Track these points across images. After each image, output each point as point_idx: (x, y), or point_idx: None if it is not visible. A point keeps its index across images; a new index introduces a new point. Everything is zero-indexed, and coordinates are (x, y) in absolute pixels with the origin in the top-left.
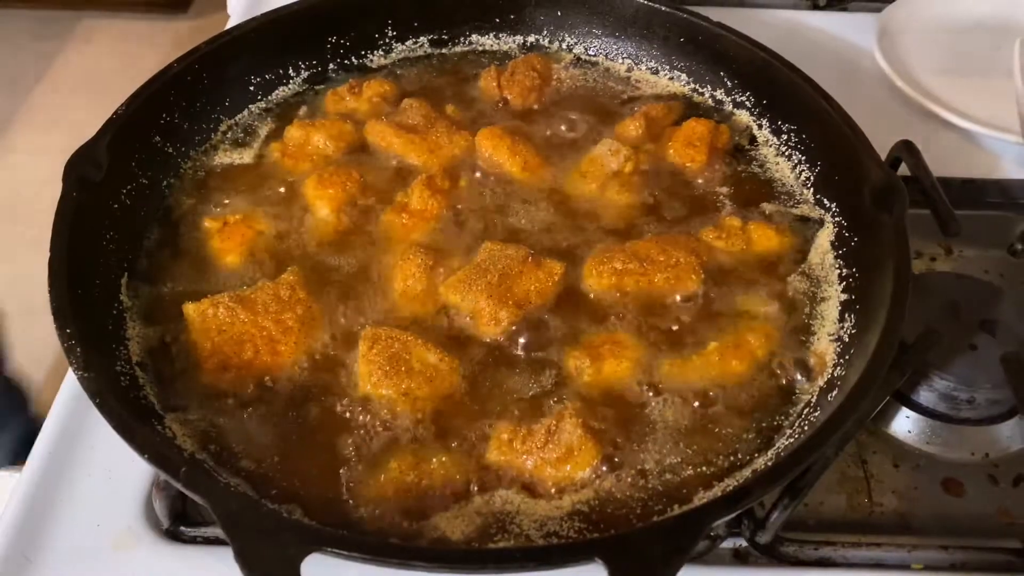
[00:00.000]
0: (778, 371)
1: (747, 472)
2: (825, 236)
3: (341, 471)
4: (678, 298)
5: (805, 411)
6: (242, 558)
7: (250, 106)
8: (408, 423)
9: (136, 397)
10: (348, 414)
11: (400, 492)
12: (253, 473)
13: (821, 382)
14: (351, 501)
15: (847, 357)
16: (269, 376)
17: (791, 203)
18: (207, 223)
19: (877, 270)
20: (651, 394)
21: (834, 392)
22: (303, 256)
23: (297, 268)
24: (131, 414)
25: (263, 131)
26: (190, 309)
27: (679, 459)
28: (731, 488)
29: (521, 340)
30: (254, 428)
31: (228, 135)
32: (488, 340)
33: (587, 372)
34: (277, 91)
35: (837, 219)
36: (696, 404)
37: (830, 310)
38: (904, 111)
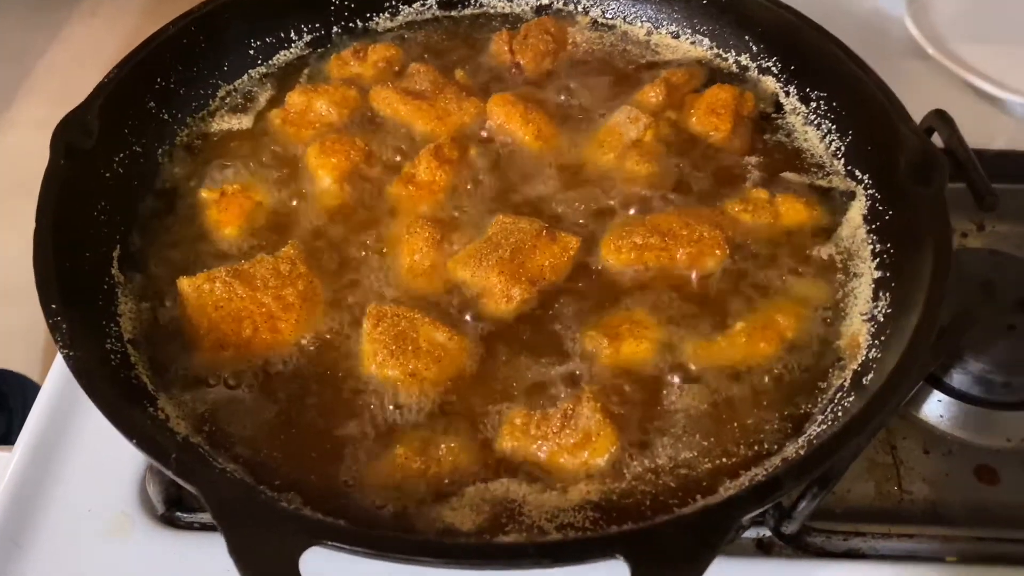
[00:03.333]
0: (808, 353)
1: (776, 461)
2: (857, 209)
3: (344, 456)
4: (702, 274)
5: (837, 396)
6: (236, 553)
7: (250, 71)
8: (415, 406)
9: (127, 377)
10: (352, 396)
11: (406, 479)
12: (250, 459)
13: (855, 365)
14: (354, 488)
15: (882, 339)
16: (269, 355)
17: (821, 174)
18: (204, 193)
19: (914, 246)
20: (673, 377)
21: (869, 376)
22: (304, 229)
23: (298, 241)
24: (120, 395)
25: (263, 97)
26: (185, 284)
27: (703, 446)
28: (760, 478)
29: (535, 319)
30: (252, 410)
31: (227, 101)
32: (499, 318)
33: (605, 353)
34: (278, 55)
35: (870, 191)
36: (721, 388)
37: (863, 288)
38: (935, 80)
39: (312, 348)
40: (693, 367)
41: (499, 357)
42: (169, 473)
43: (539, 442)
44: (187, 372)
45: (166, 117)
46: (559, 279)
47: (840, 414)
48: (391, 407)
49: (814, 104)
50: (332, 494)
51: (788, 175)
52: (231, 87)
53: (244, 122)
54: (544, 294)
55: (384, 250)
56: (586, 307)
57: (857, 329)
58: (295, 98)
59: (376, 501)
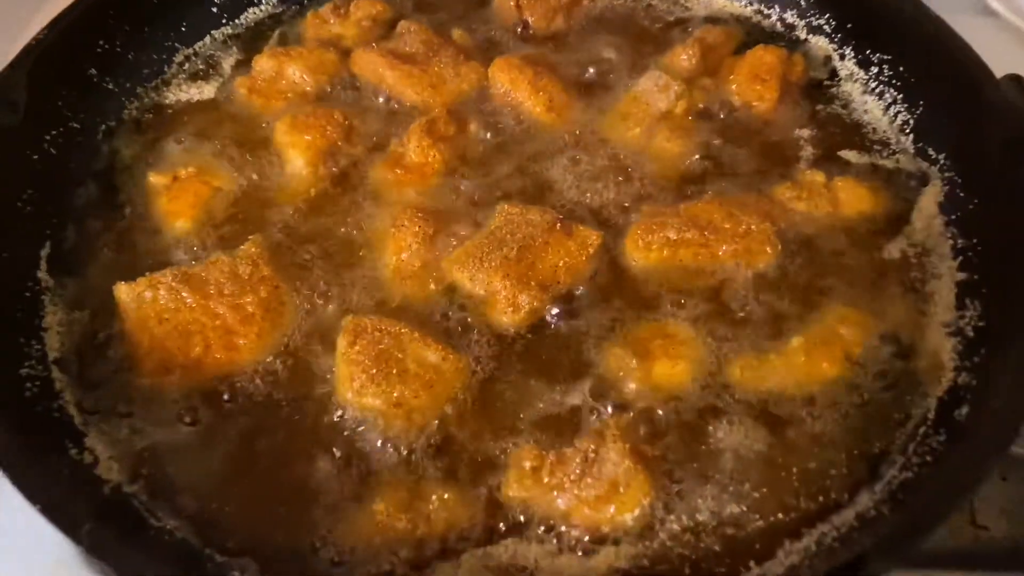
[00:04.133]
0: (880, 375)
1: (849, 516)
2: (931, 196)
3: (312, 511)
4: (750, 276)
5: (920, 432)
6: None
7: (212, 32)
8: (400, 444)
9: (46, 410)
10: (324, 432)
11: (389, 541)
12: (197, 513)
13: (939, 392)
14: (324, 553)
15: (975, 360)
16: (224, 379)
17: (885, 153)
18: (153, 178)
19: (1009, 243)
20: (718, 406)
21: (963, 409)
22: (271, 221)
23: (261, 237)
24: (31, 439)
25: (228, 63)
26: (123, 291)
27: (755, 498)
28: (831, 540)
29: (547, 332)
30: (202, 449)
31: (185, 67)
32: (504, 332)
33: (634, 376)
34: (245, 14)
35: (947, 175)
36: (776, 420)
37: (943, 293)
38: (1008, 43)
39: (276, 371)
40: (741, 393)
41: (504, 381)
42: (81, 551)
43: (554, 492)
44: (124, 400)
45: (111, 87)
46: (576, 283)
47: (928, 458)
48: (372, 446)
49: (875, 69)
50: (298, 560)
51: (847, 154)
52: (190, 51)
53: (205, 92)
54: (558, 301)
55: (366, 247)
56: (609, 317)
57: (939, 345)
58: (264, 63)
59: (352, 571)
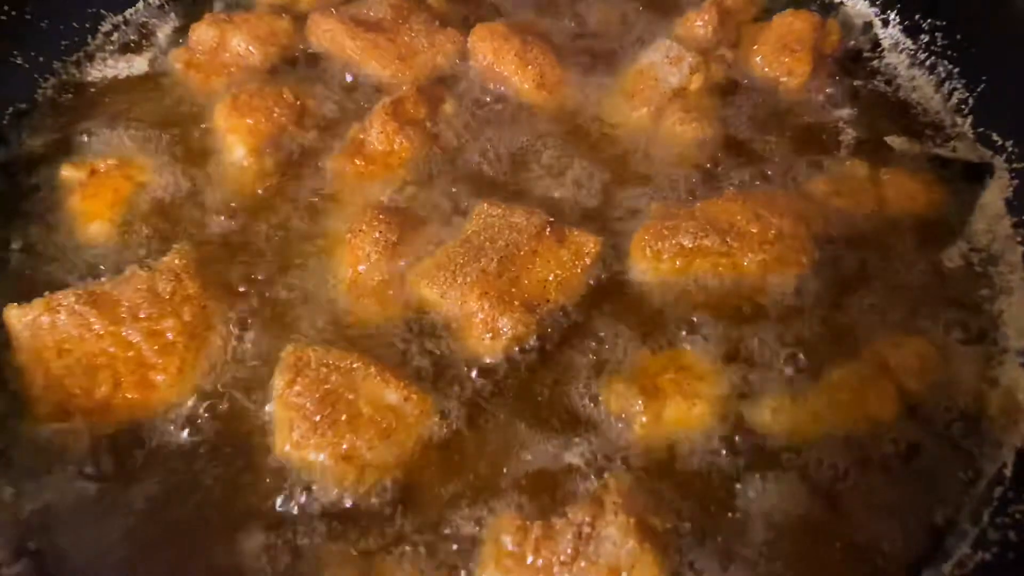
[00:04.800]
0: (941, 418)
1: None
2: (996, 192)
3: None
4: (780, 292)
5: (997, 495)
6: None
7: None
8: (351, 509)
9: None
10: (256, 493)
11: None
12: None
13: (1018, 440)
14: None
15: None
16: (136, 425)
17: (939, 139)
18: (66, 171)
19: None
20: (745, 459)
21: None
22: (202, 224)
23: (189, 245)
24: None
25: (163, 32)
26: (14, 316)
27: None
28: None
29: (534, 364)
30: (106, 516)
31: (113, 38)
32: (483, 364)
33: (640, 420)
34: None
35: (1016, 165)
36: (817, 476)
37: (1015, 311)
38: None
39: (200, 415)
40: (773, 441)
41: (481, 427)
42: None
43: None
44: (12, 453)
45: (20, 62)
46: (570, 301)
47: (1012, 533)
48: (315, 512)
49: (925, 37)
50: None
51: (894, 140)
52: (119, 18)
53: (136, 66)
54: (548, 325)
55: (316, 256)
56: (610, 345)
57: (1014, 381)
58: (203, 32)
59: None
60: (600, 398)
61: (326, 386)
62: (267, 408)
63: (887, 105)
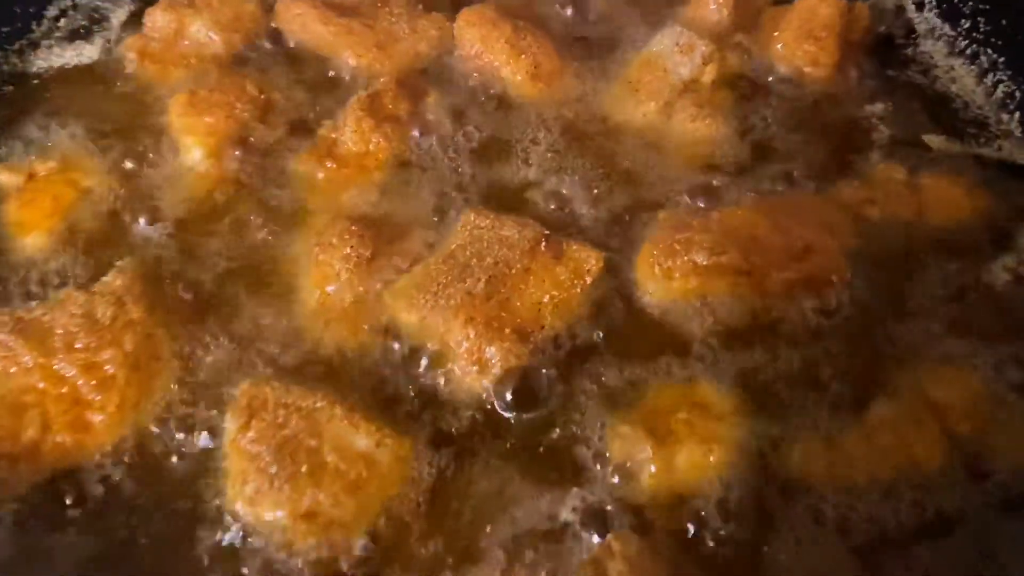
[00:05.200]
0: (1000, 466)
1: None
2: None
3: None
4: (810, 315)
5: None
6: None
7: None
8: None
9: None
10: (204, 556)
11: None
12: None
13: None
14: None
15: None
16: (68, 473)
17: (983, 138)
18: (2, 175)
19: None
20: (774, 514)
21: None
22: (150, 239)
23: (134, 262)
24: None
25: (116, 17)
26: None
27: None
28: None
29: (527, 402)
30: None
31: (60, 24)
32: (468, 402)
33: (648, 470)
34: None
35: None
36: (857, 536)
37: None
38: None
39: (142, 462)
40: (806, 495)
41: (465, 476)
42: None
43: None
44: None
45: None
46: (569, 327)
47: None
48: None
49: (966, 23)
50: None
51: (932, 139)
52: (68, 1)
53: (85, 55)
54: (543, 355)
55: (277, 277)
56: (614, 378)
57: None
58: (159, 18)
59: None
60: (602, 442)
61: (285, 431)
62: (220, 454)
63: (923, 99)
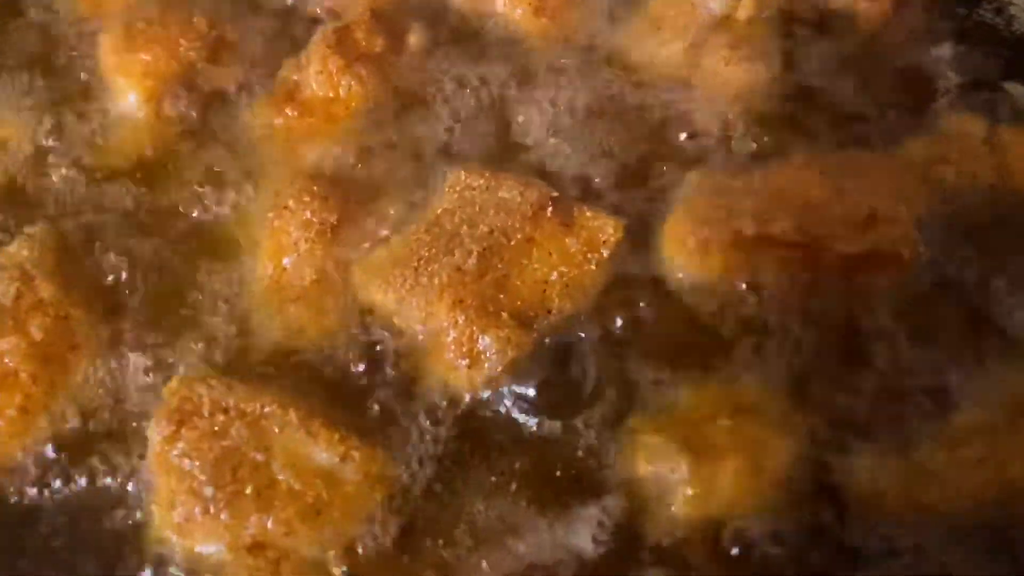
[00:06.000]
0: None
1: None
2: None
3: None
4: (873, 299)
5: None
6: None
7: None
8: None
9: None
10: None
11: None
12: None
13: None
14: None
15: None
16: None
17: None
18: None
19: None
20: (841, 547)
21: None
22: (70, 200)
23: (46, 229)
24: None
25: None
26: None
27: None
28: None
29: (527, 403)
30: None
31: None
32: (456, 401)
33: (683, 492)
34: None
35: None
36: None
37: None
38: None
39: (50, 477)
40: (877, 518)
41: (452, 497)
42: None
43: None
44: None
45: None
46: (579, 311)
47: None
48: None
49: None
50: None
51: (1015, 87)
52: None
53: None
54: (549, 346)
55: (225, 247)
56: (637, 376)
57: None
58: None
59: None
60: (624, 456)
61: (224, 442)
62: (146, 470)
63: (1000, 40)
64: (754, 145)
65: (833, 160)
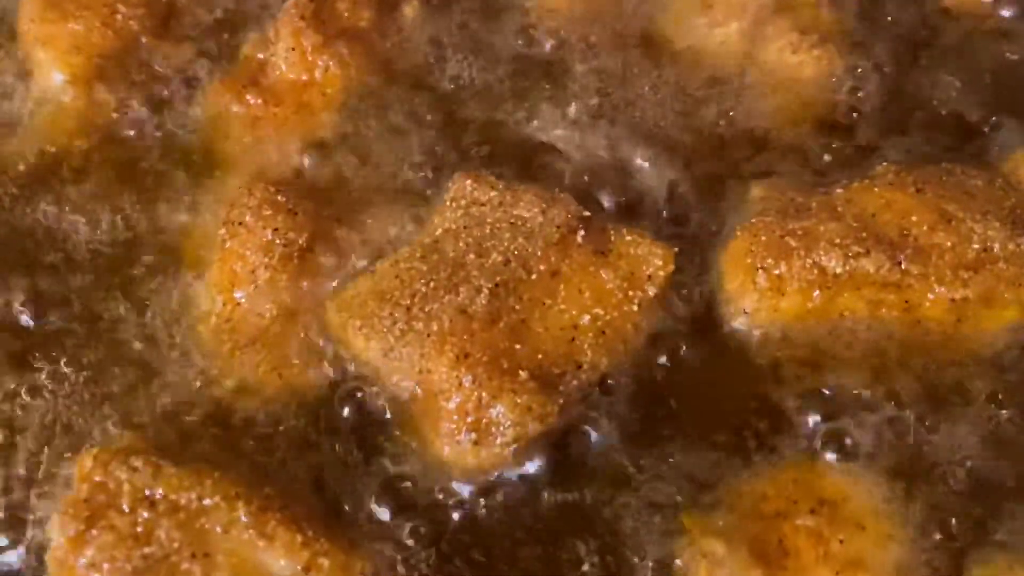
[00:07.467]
0: None
1: None
2: None
3: None
4: (987, 353)
5: None
6: None
7: None
8: None
9: None
10: None
11: None
12: None
13: None
14: None
15: None
16: None
17: None
18: None
19: None
20: None
21: None
22: None
23: None
24: None
25: None
26: None
27: None
28: None
29: (551, 492)
30: None
31: None
32: (457, 489)
33: None
34: None
35: None
36: None
37: None
38: None
39: None
40: None
41: None
42: None
43: None
44: None
45: None
46: (619, 367)
47: None
48: None
49: None
50: None
51: None
52: None
53: None
54: (578, 412)
55: (163, 275)
56: (693, 455)
57: None
58: None
59: None
60: (676, 565)
61: (149, 547)
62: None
63: None
64: (829, 154)
65: (930, 177)
